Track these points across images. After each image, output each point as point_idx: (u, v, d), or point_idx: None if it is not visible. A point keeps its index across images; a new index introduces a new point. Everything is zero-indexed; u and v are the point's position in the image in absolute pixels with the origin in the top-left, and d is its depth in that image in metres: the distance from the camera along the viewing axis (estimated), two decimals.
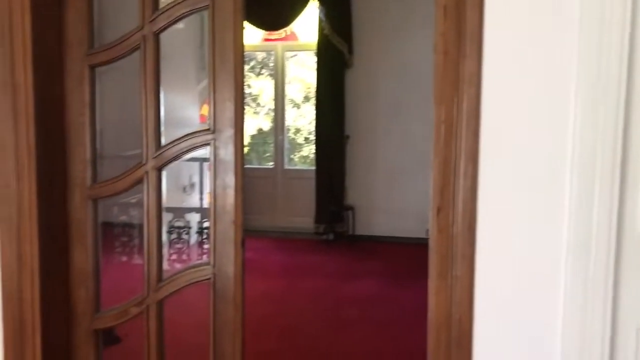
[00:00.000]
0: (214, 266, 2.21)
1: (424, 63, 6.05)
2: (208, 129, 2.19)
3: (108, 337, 3.56)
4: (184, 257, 5.34)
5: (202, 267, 2.25)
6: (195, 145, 2.23)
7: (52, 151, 2.20)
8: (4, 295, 2.16)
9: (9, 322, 2.17)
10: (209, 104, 2.22)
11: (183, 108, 7.08)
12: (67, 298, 2.29)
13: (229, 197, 2.19)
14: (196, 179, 6.68)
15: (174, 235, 5.34)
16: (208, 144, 2.20)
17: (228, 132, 2.17)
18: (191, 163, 6.42)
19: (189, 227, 5.47)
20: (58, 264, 2.25)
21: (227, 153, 2.18)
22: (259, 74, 9.21)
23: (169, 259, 5.22)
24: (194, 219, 5.72)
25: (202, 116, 7.79)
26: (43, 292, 2.17)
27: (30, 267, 2.15)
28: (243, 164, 2.21)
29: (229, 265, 2.20)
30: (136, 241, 4.95)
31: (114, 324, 2.35)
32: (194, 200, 6.51)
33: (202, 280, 2.24)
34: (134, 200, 4.83)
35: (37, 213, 2.14)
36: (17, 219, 2.14)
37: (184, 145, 2.23)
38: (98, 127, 2.29)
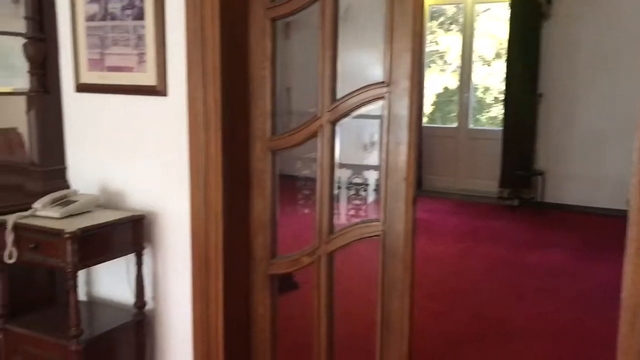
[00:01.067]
0: (383, 223, 2.17)
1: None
2: (382, 82, 2.12)
3: (287, 283, 3.78)
4: (362, 213, 5.40)
5: (372, 223, 2.22)
6: (369, 98, 2.17)
7: (236, 103, 2.30)
8: (193, 237, 2.35)
9: (196, 262, 2.36)
10: (384, 55, 2.14)
11: (369, 66, 7.07)
12: (246, 243, 2.42)
13: (402, 153, 2.11)
14: (377, 137, 6.69)
15: (352, 192, 5.41)
16: (382, 97, 2.13)
17: (403, 85, 2.08)
18: (372, 121, 6.42)
19: (367, 184, 5.49)
20: (239, 210, 2.38)
21: (402, 107, 2.09)
22: (447, 29, 8.84)
23: (347, 214, 5.30)
24: (372, 176, 5.75)
25: None
26: (226, 235, 2.31)
27: (215, 212, 2.30)
28: (419, 119, 2.12)
29: (399, 223, 2.14)
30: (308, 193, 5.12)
31: (287, 271, 2.44)
32: (374, 158, 6.55)
33: (371, 236, 2.21)
34: (314, 156, 4.98)
35: (222, 162, 2.27)
36: (204, 167, 2.29)
37: (358, 98, 2.19)
38: (285, 84, 2.35)
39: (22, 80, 3.23)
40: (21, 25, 2.88)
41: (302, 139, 2.31)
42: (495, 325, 3.73)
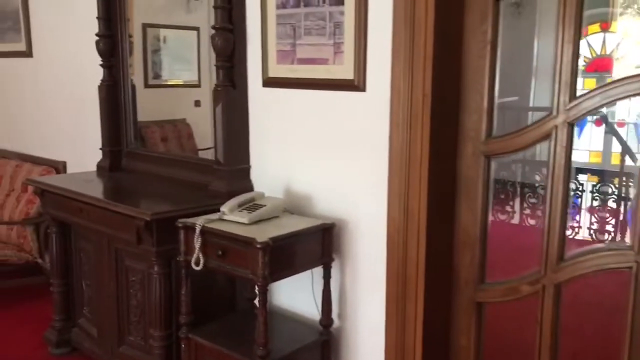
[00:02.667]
0: (637, 252, 1.70)
1: None
2: None
3: None
4: (609, 227, 4.38)
5: (618, 251, 1.77)
6: (625, 94, 1.71)
7: (446, 96, 1.96)
8: (389, 250, 2.06)
9: (392, 279, 2.06)
10: None
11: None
12: (450, 262, 2.08)
13: None
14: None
15: (597, 202, 4.46)
16: None
17: None
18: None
19: (617, 195, 4.50)
20: (443, 223, 2.04)
21: None
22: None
23: (589, 228, 4.37)
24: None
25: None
26: (428, 251, 1.99)
27: (417, 223, 1.98)
28: None
29: None
30: (523, 204, 4.33)
31: (501, 301, 2.05)
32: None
33: (617, 268, 1.76)
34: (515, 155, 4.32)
35: (428, 164, 1.94)
36: (406, 170, 1.98)
37: (607, 94, 1.74)
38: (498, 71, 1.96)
39: (189, 73, 3.22)
40: (191, 20, 2.83)
41: (527, 142, 1.91)
42: None
